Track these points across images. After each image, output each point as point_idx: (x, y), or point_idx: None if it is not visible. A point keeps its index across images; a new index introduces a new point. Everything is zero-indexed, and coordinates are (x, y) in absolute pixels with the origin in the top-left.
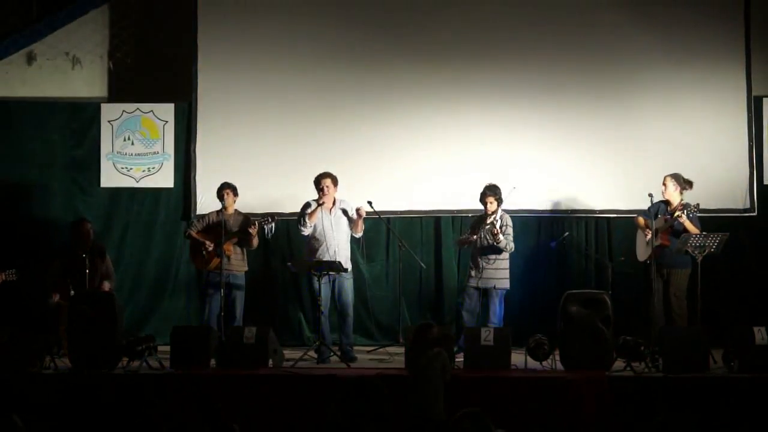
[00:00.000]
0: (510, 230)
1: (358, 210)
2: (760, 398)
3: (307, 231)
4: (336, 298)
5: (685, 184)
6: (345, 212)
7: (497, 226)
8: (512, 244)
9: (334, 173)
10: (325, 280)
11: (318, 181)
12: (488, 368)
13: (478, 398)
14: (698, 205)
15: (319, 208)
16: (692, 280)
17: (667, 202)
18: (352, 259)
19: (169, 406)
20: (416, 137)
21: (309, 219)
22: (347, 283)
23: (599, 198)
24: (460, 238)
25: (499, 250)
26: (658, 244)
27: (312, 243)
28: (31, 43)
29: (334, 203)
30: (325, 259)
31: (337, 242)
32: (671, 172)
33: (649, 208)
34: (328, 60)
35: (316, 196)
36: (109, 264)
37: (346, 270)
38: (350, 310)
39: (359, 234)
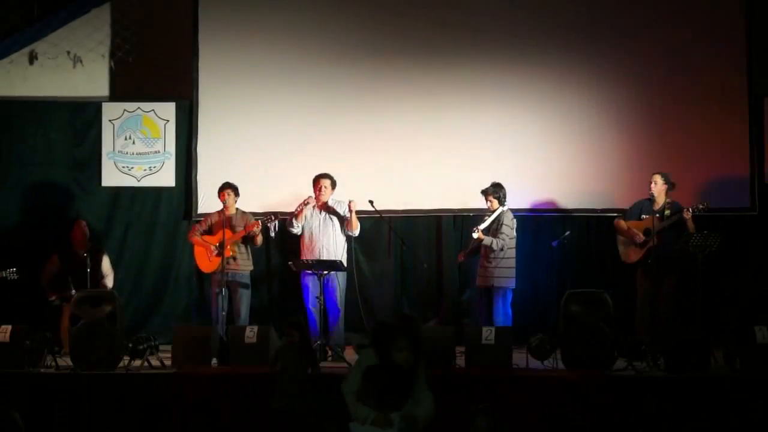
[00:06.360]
0: (505, 229)
1: (349, 204)
2: (762, 397)
3: (295, 230)
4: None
5: (670, 184)
6: (336, 213)
7: (480, 228)
8: (502, 242)
9: (336, 172)
10: (314, 279)
11: (315, 181)
12: (489, 367)
13: (479, 397)
14: (707, 203)
15: (308, 207)
16: (683, 280)
17: (650, 200)
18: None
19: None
20: (418, 136)
21: (296, 219)
22: (334, 282)
23: (601, 197)
24: (460, 256)
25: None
26: (652, 243)
27: (302, 242)
28: (32, 42)
29: (326, 204)
30: (312, 259)
31: (322, 243)
32: (659, 171)
33: (631, 207)
34: (329, 59)
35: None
36: (108, 262)
37: (346, 269)
38: (337, 311)
39: (355, 232)
